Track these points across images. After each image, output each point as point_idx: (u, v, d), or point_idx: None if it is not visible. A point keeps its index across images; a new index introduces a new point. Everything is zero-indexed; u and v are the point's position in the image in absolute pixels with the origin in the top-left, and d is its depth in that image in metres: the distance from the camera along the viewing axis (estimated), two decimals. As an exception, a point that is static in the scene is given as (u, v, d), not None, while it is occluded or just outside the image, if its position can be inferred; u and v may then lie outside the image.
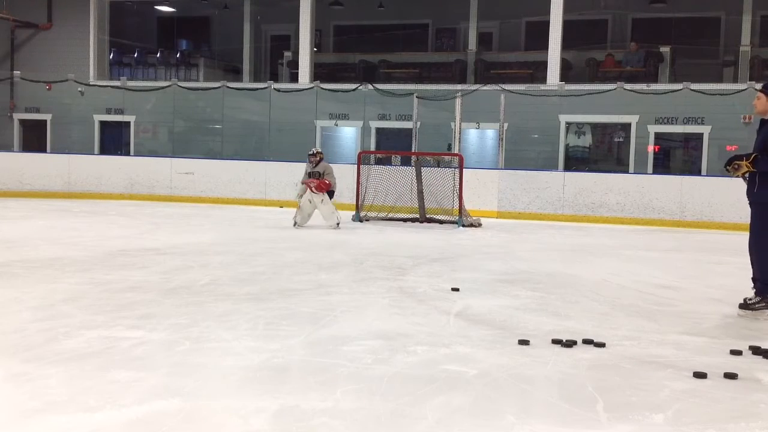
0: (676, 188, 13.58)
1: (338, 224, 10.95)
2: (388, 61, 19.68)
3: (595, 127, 16.65)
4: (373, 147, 17.39)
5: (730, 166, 5.38)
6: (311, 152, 11.44)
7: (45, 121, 19.51)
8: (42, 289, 5.58)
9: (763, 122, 5.41)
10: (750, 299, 5.35)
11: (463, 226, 11.73)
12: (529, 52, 18.93)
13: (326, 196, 10.91)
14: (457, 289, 5.78)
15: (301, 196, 11.04)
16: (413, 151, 14.45)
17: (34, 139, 19.64)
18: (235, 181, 15.95)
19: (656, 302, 5.85)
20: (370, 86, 17.11)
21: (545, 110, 16.16)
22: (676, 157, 16.43)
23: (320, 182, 10.90)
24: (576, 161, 16.54)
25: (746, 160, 5.28)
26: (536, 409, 3.21)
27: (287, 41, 20.94)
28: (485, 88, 16.22)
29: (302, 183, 11.17)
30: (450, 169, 12.69)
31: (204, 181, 16.06)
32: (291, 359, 3.84)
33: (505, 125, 15.17)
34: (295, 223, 11.06)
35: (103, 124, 19.17)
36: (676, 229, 13.06)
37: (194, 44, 22.50)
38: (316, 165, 11.21)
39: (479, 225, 11.96)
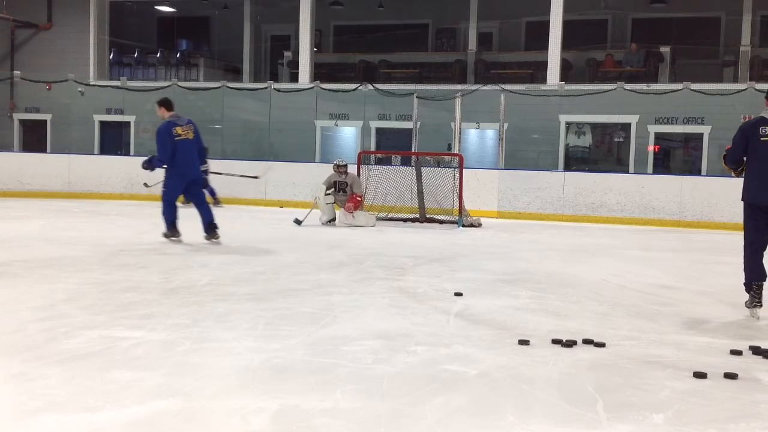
0: (676, 188, 13.57)
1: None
2: (388, 61, 19.67)
3: (595, 127, 16.64)
4: (373, 147, 17.38)
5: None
6: (342, 163, 11.85)
7: (45, 121, 19.49)
8: (42, 289, 5.58)
9: None
10: None
11: (463, 226, 11.72)
12: (529, 52, 18.92)
13: (357, 211, 11.51)
14: (460, 294, 5.77)
15: (318, 199, 11.51)
16: (413, 151, 14.45)
17: (34, 139, 19.62)
18: (234, 181, 15.93)
19: (656, 302, 5.85)
20: (370, 86, 17.10)
21: (545, 110, 16.15)
22: (676, 157, 16.43)
23: (356, 203, 11.50)
24: (576, 161, 16.53)
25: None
26: (536, 409, 3.21)
27: (287, 41, 20.94)
28: (485, 88, 16.22)
29: (325, 187, 11.55)
30: (450, 169, 12.69)
31: (204, 181, 16.02)
32: (291, 359, 3.84)
33: (505, 125, 15.16)
34: (325, 222, 11.54)
35: (103, 124, 19.15)
36: (676, 229, 13.05)
37: (194, 44, 22.48)
38: (345, 175, 11.75)
39: (479, 225, 11.95)
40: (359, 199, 11.61)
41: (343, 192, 11.71)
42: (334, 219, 11.62)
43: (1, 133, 19.60)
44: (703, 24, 18.94)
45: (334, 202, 11.65)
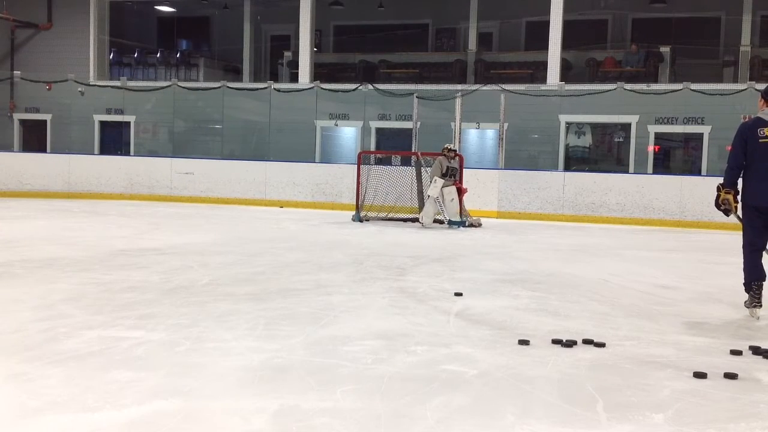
0: (676, 188, 13.57)
1: (467, 224, 11.61)
2: (388, 61, 19.67)
3: (595, 127, 16.64)
4: (373, 147, 17.38)
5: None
6: (453, 147, 11.96)
7: (45, 121, 19.50)
8: (42, 289, 5.58)
9: None
10: None
11: (464, 226, 11.72)
12: (529, 52, 18.92)
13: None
14: (460, 294, 5.78)
15: (440, 197, 11.50)
16: (413, 151, 14.45)
17: (34, 139, 19.63)
18: (235, 181, 15.95)
19: (656, 302, 5.85)
20: (370, 86, 17.10)
21: (545, 110, 16.15)
22: (676, 157, 16.43)
23: (463, 189, 11.73)
24: (576, 161, 16.53)
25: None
26: (536, 409, 3.21)
27: (287, 41, 20.93)
28: (485, 88, 16.22)
29: (440, 182, 11.40)
30: (450, 169, 12.68)
31: (204, 181, 16.06)
32: (291, 359, 3.84)
33: (505, 125, 15.16)
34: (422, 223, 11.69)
35: (103, 124, 19.16)
36: (676, 229, 13.05)
37: (194, 44, 22.49)
38: (454, 160, 11.70)
39: (479, 225, 11.95)
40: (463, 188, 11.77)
41: (453, 178, 11.63)
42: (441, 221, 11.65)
43: (1, 133, 19.61)
44: (703, 24, 18.92)
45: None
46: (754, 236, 5.28)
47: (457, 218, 11.49)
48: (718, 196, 5.42)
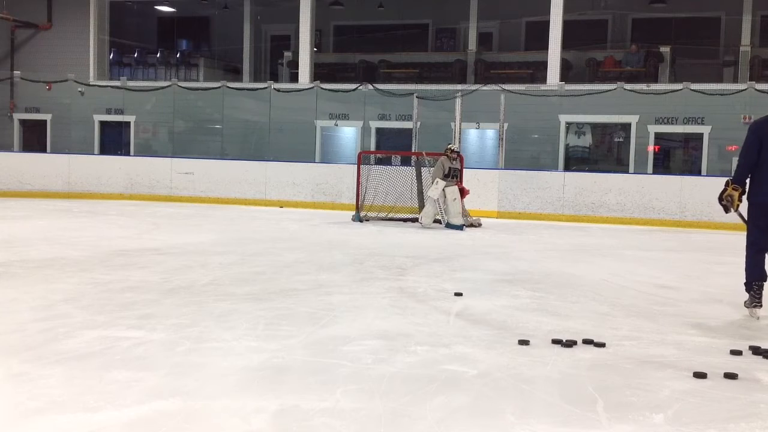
0: (676, 188, 13.57)
1: (464, 226, 11.45)
2: (388, 61, 19.67)
3: (595, 127, 16.65)
4: (373, 147, 17.38)
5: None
6: (456, 148, 11.87)
7: (45, 121, 19.51)
8: (42, 289, 5.57)
9: None
10: None
11: (461, 230, 11.72)
12: (529, 52, 18.93)
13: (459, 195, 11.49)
14: (460, 294, 5.77)
15: (440, 199, 11.48)
16: (413, 151, 14.44)
17: (34, 139, 19.64)
18: (235, 181, 15.95)
19: (656, 302, 5.85)
20: (370, 86, 17.10)
21: (545, 110, 16.15)
22: (676, 157, 16.43)
23: (465, 190, 11.68)
24: (576, 161, 16.53)
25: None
26: (536, 409, 3.21)
27: (287, 41, 20.94)
28: (485, 88, 16.21)
29: (441, 183, 11.36)
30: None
31: (204, 181, 16.05)
32: (291, 359, 3.84)
33: (505, 125, 15.16)
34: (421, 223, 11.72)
35: (103, 124, 19.16)
36: (676, 229, 13.05)
37: (194, 44, 22.49)
38: (456, 161, 11.62)
39: (479, 225, 11.95)
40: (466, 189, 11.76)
41: (455, 178, 11.58)
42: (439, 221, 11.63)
43: (1, 133, 19.61)
44: (703, 24, 18.93)
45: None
46: (758, 236, 5.26)
47: (459, 219, 11.45)
48: (724, 190, 5.39)
